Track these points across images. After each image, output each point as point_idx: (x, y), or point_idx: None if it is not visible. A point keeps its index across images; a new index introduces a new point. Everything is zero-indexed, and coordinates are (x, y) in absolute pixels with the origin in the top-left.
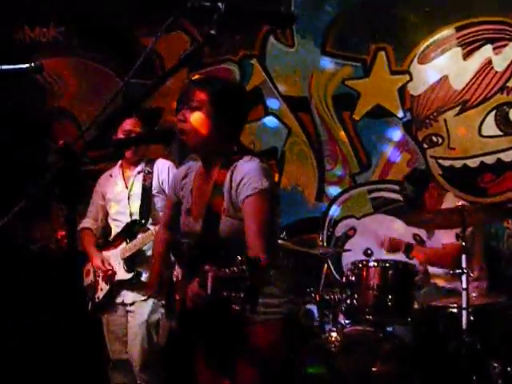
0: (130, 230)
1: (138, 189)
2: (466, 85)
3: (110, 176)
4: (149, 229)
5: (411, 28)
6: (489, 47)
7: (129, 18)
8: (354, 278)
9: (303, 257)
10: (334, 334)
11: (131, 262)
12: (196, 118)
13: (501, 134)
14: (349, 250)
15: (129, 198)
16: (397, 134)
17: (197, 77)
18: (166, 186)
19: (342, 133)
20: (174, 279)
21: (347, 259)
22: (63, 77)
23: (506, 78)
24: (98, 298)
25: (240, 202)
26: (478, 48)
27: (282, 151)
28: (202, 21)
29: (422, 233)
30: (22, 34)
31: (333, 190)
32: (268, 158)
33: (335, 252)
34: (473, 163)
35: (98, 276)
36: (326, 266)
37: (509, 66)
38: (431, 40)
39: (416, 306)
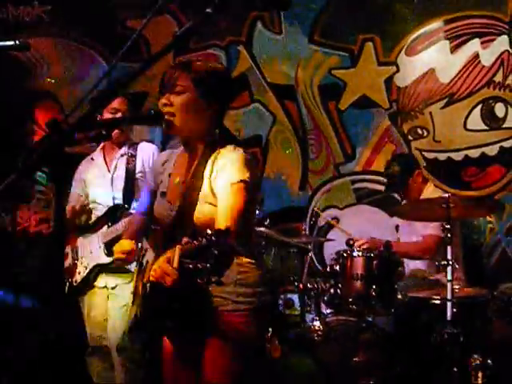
0: (113, 214)
1: (121, 172)
2: (453, 78)
3: (92, 159)
4: (131, 213)
5: (399, 19)
6: (476, 41)
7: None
8: (338, 268)
9: (286, 245)
10: (316, 324)
11: (112, 246)
12: (180, 101)
13: (486, 128)
14: (332, 240)
15: (112, 182)
16: (382, 126)
17: (181, 61)
18: (148, 169)
19: (327, 122)
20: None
21: (329, 249)
22: (46, 57)
23: (493, 73)
24: (76, 281)
25: (217, 189)
26: (465, 42)
27: (266, 139)
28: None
29: (405, 224)
30: (5, 12)
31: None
32: (252, 146)
33: (318, 241)
34: (457, 156)
35: (76, 259)
36: (309, 255)
37: (496, 60)
38: (419, 32)
39: (399, 297)
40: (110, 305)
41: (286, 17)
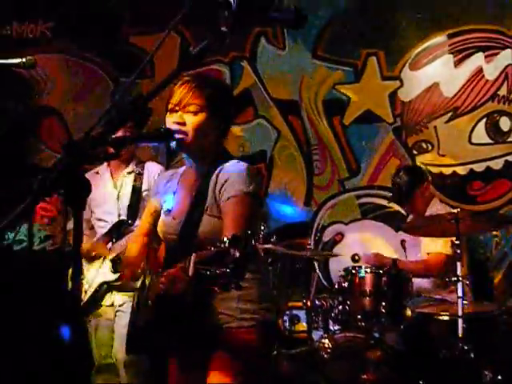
0: (117, 230)
1: (127, 189)
2: (457, 92)
3: (97, 173)
4: (134, 230)
5: (403, 34)
6: (480, 55)
7: (119, 17)
8: (346, 285)
9: (292, 261)
10: (325, 341)
11: (117, 263)
12: (195, 120)
13: (491, 142)
14: (338, 255)
15: (118, 199)
16: (386, 140)
17: (191, 77)
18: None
19: (332, 137)
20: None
21: (334, 265)
22: (51, 74)
23: (497, 87)
24: (83, 300)
25: (222, 202)
26: (469, 56)
27: (271, 155)
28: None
29: (411, 239)
30: (10, 28)
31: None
32: (257, 162)
33: (324, 256)
34: (462, 170)
35: (82, 278)
36: (317, 272)
37: (500, 74)
38: (423, 46)
39: (408, 313)
40: (118, 322)
41: (289, 32)
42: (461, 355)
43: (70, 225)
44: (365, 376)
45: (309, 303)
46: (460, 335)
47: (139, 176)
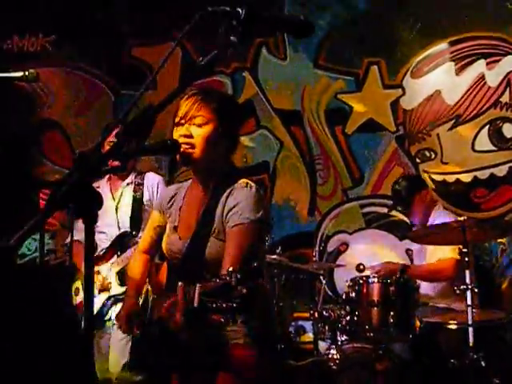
0: (121, 243)
1: (127, 200)
2: (459, 99)
3: (97, 187)
4: (138, 242)
5: (404, 42)
6: (482, 62)
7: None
8: (353, 295)
9: (296, 272)
10: (333, 352)
11: (123, 276)
12: (202, 133)
13: (494, 148)
14: (343, 266)
15: (117, 210)
16: (389, 149)
17: (197, 90)
18: (154, 200)
19: (334, 147)
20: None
21: (339, 275)
22: (52, 87)
23: (500, 93)
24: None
25: (228, 228)
26: (471, 63)
27: (273, 165)
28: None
29: (416, 247)
30: (11, 42)
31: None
32: (259, 172)
33: (329, 267)
34: (466, 178)
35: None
36: (323, 282)
37: (502, 81)
38: (424, 54)
39: (417, 323)
40: (113, 335)
41: (290, 42)
42: (471, 364)
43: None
44: None
45: (316, 314)
46: (471, 344)
47: (139, 186)
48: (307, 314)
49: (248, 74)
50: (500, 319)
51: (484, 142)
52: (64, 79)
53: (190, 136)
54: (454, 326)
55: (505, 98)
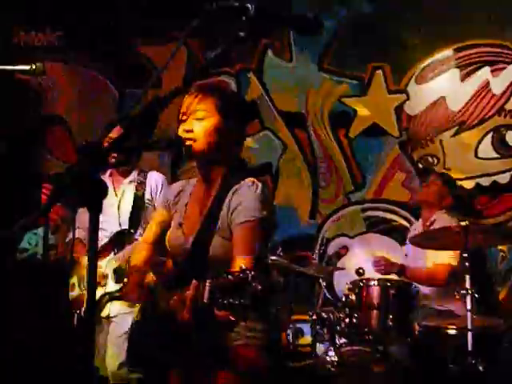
0: (119, 240)
1: (129, 198)
2: (463, 106)
3: None
4: (137, 239)
5: (409, 48)
6: (487, 69)
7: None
8: (353, 297)
9: (296, 275)
10: (331, 354)
11: (120, 274)
12: (203, 127)
13: (497, 156)
14: (342, 269)
15: (119, 207)
16: (392, 154)
17: (198, 86)
18: (157, 198)
19: (337, 150)
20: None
21: (338, 278)
22: (58, 83)
23: (504, 101)
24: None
25: (234, 226)
26: (475, 70)
27: (276, 167)
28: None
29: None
30: (17, 37)
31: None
32: (262, 174)
33: (329, 271)
34: (468, 184)
35: (84, 289)
36: (323, 285)
37: (507, 88)
38: (429, 60)
39: (417, 327)
40: (111, 332)
41: (296, 44)
42: (470, 369)
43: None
44: None
45: (315, 316)
46: (470, 349)
47: (141, 185)
48: (306, 317)
49: (253, 75)
50: (498, 326)
51: (487, 149)
52: (69, 74)
53: (192, 131)
54: (453, 332)
55: (509, 106)
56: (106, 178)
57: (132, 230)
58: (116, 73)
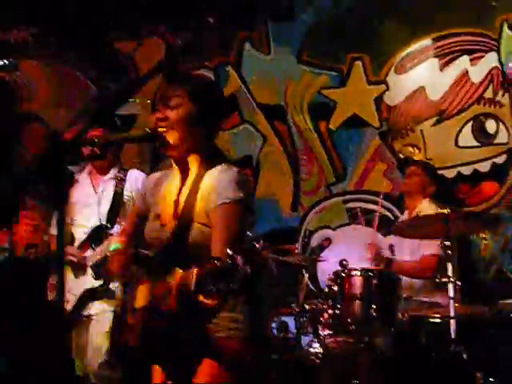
0: (96, 236)
1: (108, 195)
2: (443, 95)
3: (76, 181)
4: (112, 234)
5: (388, 38)
6: (465, 58)
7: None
8: (336, 288)
9: (279, 267)
10: (315, 346)
11: (98, 269)
12: (175, 115)
13: (477, 144)
14: (324, 260)
15: (99, 204)
16: (373, 145)
17: (172, 75)
18: (134, 195)
19: (318, 142)
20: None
21: (322, 270)
22: (34, 80)
23: (483, 89)
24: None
25: (210, 209)
26: (454, 59)
27: (257, 160)
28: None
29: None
30: None
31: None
32: (243, 167)
33: (312, 261)
34: (449, 173)
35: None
36: (306, 276)
37: (485, 77)
38: (408, 50)
39: (400, 317)
40: (91, 330)
41: (274, 37)
42: (453, 357)
43: (53, 231)
44: (356, 381)
45: (297, 308)
46: (453, 336)
47: (121, 182)
48: (290, 310)
49: (231, 68)
50: (483, 313)
51: (467, 137)
52: (46, 72)
53: (166, 118)
54: (437, 320)
55: (488, 94)
56: (84, 174)
57: (109, 225)
58: (93, 68)
